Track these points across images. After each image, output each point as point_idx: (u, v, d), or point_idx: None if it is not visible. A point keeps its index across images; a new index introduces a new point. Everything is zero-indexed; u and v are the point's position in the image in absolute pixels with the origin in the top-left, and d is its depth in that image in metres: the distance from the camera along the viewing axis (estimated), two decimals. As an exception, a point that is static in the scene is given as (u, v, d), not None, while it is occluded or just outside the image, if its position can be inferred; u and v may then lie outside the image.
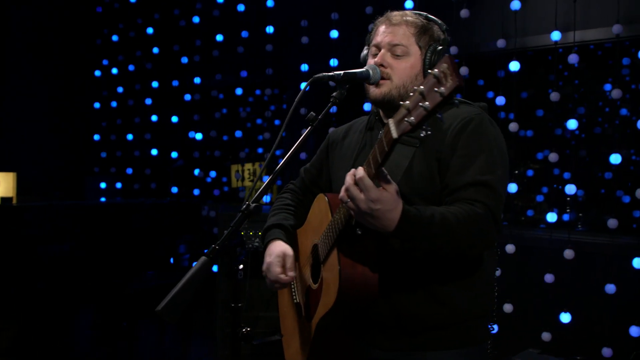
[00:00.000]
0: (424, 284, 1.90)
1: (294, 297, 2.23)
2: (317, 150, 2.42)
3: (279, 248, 2.13)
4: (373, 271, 1.83)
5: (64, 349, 5.10)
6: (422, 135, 1.45)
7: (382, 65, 2.01)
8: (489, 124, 1.94)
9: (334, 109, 3.97)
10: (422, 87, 1.42)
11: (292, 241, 2.23)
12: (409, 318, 1.92)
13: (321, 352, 2.05)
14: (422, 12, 2.09)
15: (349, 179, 1.63)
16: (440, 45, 2.03)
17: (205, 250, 1.67)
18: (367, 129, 2.17)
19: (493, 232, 1.80)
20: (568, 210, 5.60)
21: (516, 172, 5.49)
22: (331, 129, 2.42)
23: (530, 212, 5.46)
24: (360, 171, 1.60)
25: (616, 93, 3.85)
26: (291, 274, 2.09)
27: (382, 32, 2.05)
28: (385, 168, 1.65)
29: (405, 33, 2.02)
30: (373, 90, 2.02)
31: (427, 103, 1.40)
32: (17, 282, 5.13)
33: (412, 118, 1.43)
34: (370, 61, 2.05)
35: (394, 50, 2.01)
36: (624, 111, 4.77)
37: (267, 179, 1.81)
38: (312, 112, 1.89)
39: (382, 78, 2.00)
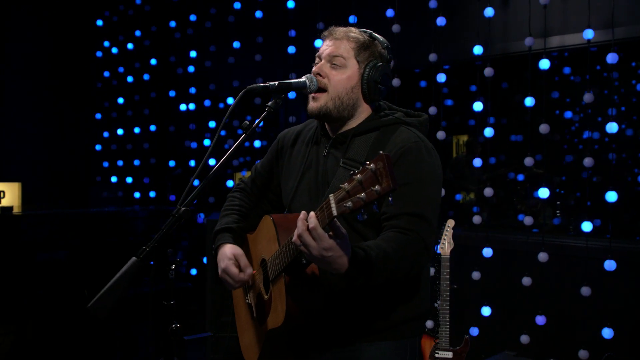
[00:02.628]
0: (366, 301, 2.04)
1: (247, 297, 2.34)
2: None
3: (229, 251, 2.22)
4: (317, 295, 1.96)
5: (63, 354, 5.22)
6: (359, 218, 1.58)
7: (319, 74, 2.12)
8: (425, 153, 2.05)
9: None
10: (359, 176, 1.55)
11: (242, 243, 2.33)
12: (348, 328, 2.05)
13: (271, 351, 2.18)
14: (366, 30, 2.20)
15: (300, 224, 1.70)
16: (380, 62, 2.13)
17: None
18: (313, 142, 2.26)
19: (425, 258, 1.98)
20: (558, 214, 5.65)
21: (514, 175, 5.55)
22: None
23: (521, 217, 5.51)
24: (313, 220, 1.67)
25: (587, 98, 3.90)
26: (249, 270, 2.19)
27: (325, 45, 2.17)
28: (329, 193, 1.76)
29: (346, 47, 2.12)
30: (310, 104, 2.13)
31: (363, 195, 1.54)
32: (17, 288, 5.27)
33: (350, 204, 1.56)
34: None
35: (333, 61, 2.11)
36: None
37: (198, 184, 1.91)
38: (246, 121, 1.99)
39: (319, 88, 2.11)
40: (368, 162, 1.54)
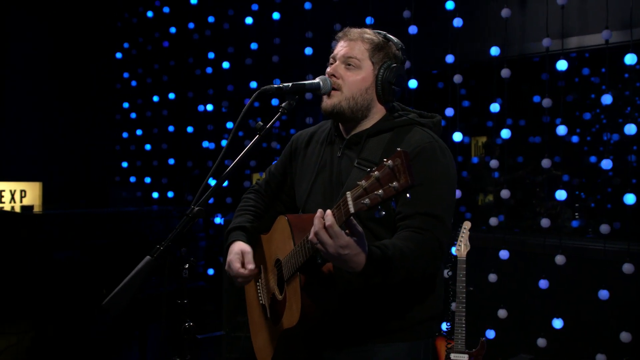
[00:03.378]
0: (381, 301, 2.05)
1: (260, 297, 2.35)
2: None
3: (237, 247, 2.25)
4: (332, 294, 1.97)
5: (81, 351, 5.28)
6: (377, 216, 1.59)
7: (333, 75, 2.13)
8: (439, 154, 2.05)
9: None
10: (377, 172, 1.56)
11: (256, 244, 2.35)
12: (362, 327, 2.06)
13: (285, 351, 2.19)
14: (381, 31, 2.20)
15: (317, 222, 1.71)
16: (395, 63, 2.13)
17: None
18: (327, 142, 2.27)
19: (440, 258, 1.99)
20: (576, 217, 5.60)
21: (538, 178, 5.52)
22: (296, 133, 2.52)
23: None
24: (329, 217, 1.68)
25: (605, 99, 3.87)
26: (250, 266, 2.19)
27: (339, 46, 2.18)
28: (344, 193, 1.78)
29: (360, 48, 2.13)
30: (324, 102, 2.14)
31: (381, 192, 1.55)
32: (36, 287, 5.33)
33: (368, 201, 1.57)
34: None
35: (347, 62, 2.12)
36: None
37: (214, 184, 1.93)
38: (259, 122, 2.01)
39: (333, 89, 2.12)
40: (385, 159, 1.55)
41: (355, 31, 2.18)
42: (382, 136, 2.12)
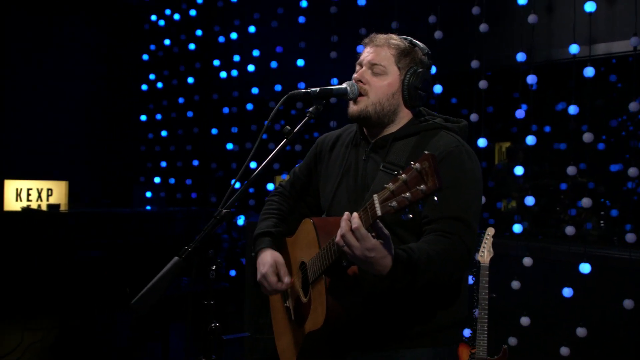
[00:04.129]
0: (406, 305, 2.04)
1: (285, 300, 2.36)
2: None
3: (270, 258, 2.25)
4: (357, 297, 1.98)
5: (104, 348, 5.34)
6: (403, 218, 1.60)
7: (360, 81, 2.14)
8: (466, 158, 2.05)
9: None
10: (404, 175, 1.57)
11: (281, 247, 2.37)
12: (387, 331, 2.06)
13: (309, 353, 2.20)
14: (407, 37, 2.21)
15: (344, 224, 1.71)
16: (421, 68, 2.14)
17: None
18: (352, 146, 2.28)
19: (467, 263, 1.99)
20: (602, 225, 5.54)
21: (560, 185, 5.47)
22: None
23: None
24: (356, 220, 1.68)
25: (633, 106, 3.84)
26: (287, 279, 2.22)
27: (365, 52, 2.19)
28: (370, 196, 1.77)
29: (387, 54, 2.14)
30: (351, 107, 2.15)
31: (409, 195, 1.55)
32: (62, 283, 5.41)
33: (395, 203, 1.58)
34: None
35: (374, 68, 2.13)
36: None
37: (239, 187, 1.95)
38: (287, 126, 2.02)
39: (360, 94, 2.13)
40: (413, 162, 1.56)
41: (381, 37, 2.19)
42: (408, 140, 2.12)
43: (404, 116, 2.17)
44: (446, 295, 2.09)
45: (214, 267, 1.81)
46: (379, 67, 2.12)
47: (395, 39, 2.17)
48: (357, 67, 2.20)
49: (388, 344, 2.07)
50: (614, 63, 5.06)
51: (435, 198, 1.54)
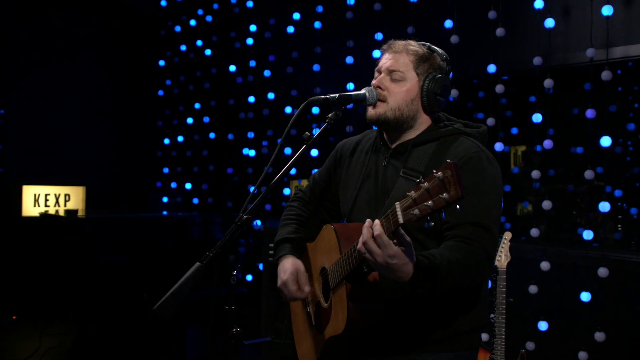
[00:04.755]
0: (426, 310, 2.05)
1: (306, 306, 2.38)
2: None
3: (292, 265, 2.26)
4: (378, 303, 1.99)
5: (121, 353, 5.37)
6: (425, 226, 1.61)
7: (379, 87, 2.15)
8: (486, 163, 2.06)
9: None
10: (426, 184, 1.58)
11: (301, 253, 2.38)
12: (408, 336, 2.07)
13: (329, 359, 2.21)
14: (425, 42, 2.22)
15: (365, 232, 1.73)
16: (440, 74, 2.15)
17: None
18: (372, 151, 2.29)
19: (488, 269, 1.98)
20: (619, 229, 5.51)
21: (577, 189, 5.45)
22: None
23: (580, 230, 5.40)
24: (378, 227, 1.70)
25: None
26: (307, 289, 2.23)
27: (384, 58, 2.21)
28: (390, 203, 1.81)
29: (405, 60, 2.15)
30: (369, 111, 2.16)
31: (431, 203, 1.57)
32: (79, 289, 5.45)
33: (417, 211, 1.60)
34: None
35: (392, 75, 2.15)
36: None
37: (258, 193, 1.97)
38: (306, 132, 2.04)
39: (379, 100, 2.15)
40: (435, 170, 1.57)
41: (399, 43, 2.20)
42: (428, 146, 2.13)
43: (424, 122, 2.18)
44: (466, 300, 2.10)
45: (235, 273, 1.83)
46: (397, 74, 2.13)
47: (413, 45, 2.18)
48: (376, 74, 2.21)
49: (409, 349, 2.08)
50: (630, 66, 5.03)
51: (458, 207, 1.55)
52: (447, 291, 1.89)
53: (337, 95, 2.08)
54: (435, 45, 2.22)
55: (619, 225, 5.50)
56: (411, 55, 2.15)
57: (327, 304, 2.14)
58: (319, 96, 2.07)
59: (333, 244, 2.10)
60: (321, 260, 2.22)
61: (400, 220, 1.63)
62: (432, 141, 2.14)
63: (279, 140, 2.07)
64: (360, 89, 2.17)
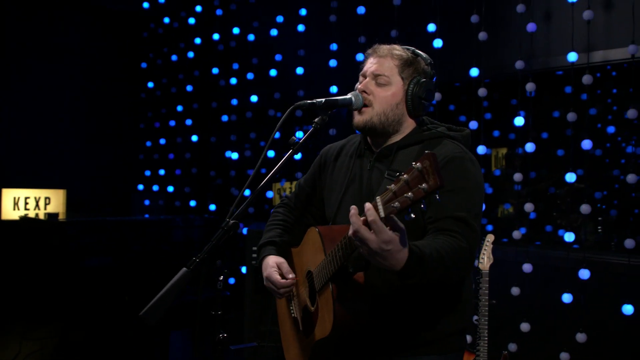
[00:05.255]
0: (412, 310, 2.07)
1: (292, 310, 2.38)
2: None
3: (271, 260, 2.29)
4: (364, 304, 2.01)
5: (103, 357, 5.33)
6: (406, 219, 1.61)
7: (364, 91, 2.17)
8: (469, 164, 2.09)
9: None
10: (406, 176, 1.58)
11: (285, 257, 2.38)
12: (394, 339, 2.08)
13: None
14: (409, 47, 2.24)
15: (355, 220, 1.69)
16: (424, 78, 2.17)
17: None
18: (357, 156, 2.31)
19: (470, 264, 2.01)
20: (599, 230, 5.58)
21: (558, 191, 5.51)
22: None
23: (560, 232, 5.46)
24: (372, 212, 1.65)
25: (631, 113, 3.88)
26: (291, 276, 2.24)
27: (369, 63, 2.23)
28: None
29: (390, 64, 2.18)
30: (356, 118, 2.18)
31: (410, 194, 1.57)
32: (61, 293, 5.39)
33: (397, 204, 1.60)
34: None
35: (377, 79, 2.17)
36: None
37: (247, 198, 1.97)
38: (293, 137, 2.05)
39: (365, 105, 2.16)
40: (414, 162, 1.57)
41: (384, 48, 2.22)
42: (412, 148, 2.15)
43: (408, 125, 2.20)
44: (451, 302, 2.12)
45: (221, 278, 1.83)
46: (382, 78, 2.15)
47: (398, 50, 2.20)
48: (361, 78, 2.23)
49: (397, 352, 2.09)
50: (609, 69, 5.09)
51: (438, 197, 1.56)
52: (435, 283, 1.89)
53: (323, 99, 2.10)
54: (418, 49, 2.24)
55: (599, 227, 5.57)
56: (396, 59, 2.17)
57: (313, 308, 2.14)
58: (306, 101, 2.09)
59: (318, 246, 2.11)
60: (307, 264, 2.23)
61: (382, 213, 1.63)
62: (416, 144, 2.16)
63: (262, 144, 2.07)
64: (344, 93, 2.18)
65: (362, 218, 1.68)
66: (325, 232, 2.11)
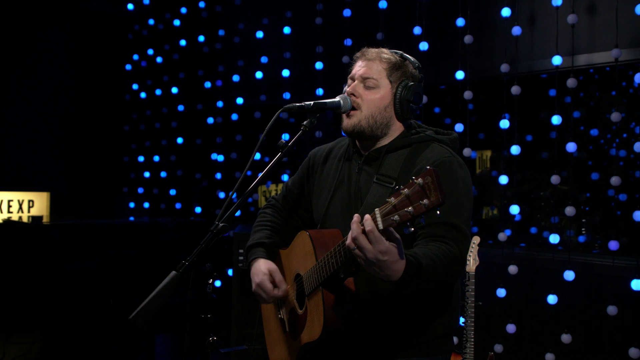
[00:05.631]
0: (401, 315, 2.07)
1: (278, 311, 2.38)
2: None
3: (264, 266, 2.26)
4: (354, 308, 2.01)
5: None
6: (405, 232, 1.62)
7: (353, 94, 2.17)
8: (457, 168, 2.09)
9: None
10: (406, 190, 1.59)
11: (274, 259, 2.38)
12: (383, 343, 2.09)
13: None
14: (397, 51, 2.25)
15: (355, 227, 1.70)
16: (412, 82, 2.18)
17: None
18: (345, 159, 2.31)
19: (462, 269, 2.01)
20: (583, 232, 5.62)
21: (541, 193, 5.56)
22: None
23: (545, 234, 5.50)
24: (370, 222, 1.66)
25: (615, 116, 3.92)
26: (283, 286, 2.23)
27: (357, 66, 2.23)
28: (365, 209, 1.82)
29: (378, 68, 2.18)
30: (345, 121, 2.18)
31: (411, 209, 1.58)
32: (45, 297, 5.35)
33: (397, 217, 1.60)
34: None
35: (366, 82, 2.17)
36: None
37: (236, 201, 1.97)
38: (282, 140, 2.05)
39: (353, 108, 2.17)
40: (415, 177, 1.58)
41: (372, 51, 2.23)
42: (400, 152, 2.16)
43: (396, 129, 2.21)
44: (440, 304, 2.13)
45: (210, 281, 1.82)
46: (371, 81, 2.16)
47: (386, 53, 2.21)
48: (349, 81, 2.23)
49: (386, 355, 2.10)
50: (591, 73, 5.15)
51: (438, 212, 1.57)
52: (429, 291, 1.90)
53: (312, 102, 2.10)
54: (403, 51, 2.25)
55: (583, 229, 5.62)
56: (384, 62, 2.18)
57: (302, 311, 2.14)
58: (294, 104, 2.09)
59: (308, 250, 2.10)
60: (296, 267, 2.23)
61: (380, 226, 1.64)
62: (405, 147, 2.17)
63: (259, 143, 2.07)
64: (331, 96, 2.19)
65: (361, 227, 1.69)
66: (316, 236, 2.10)
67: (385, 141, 2.20)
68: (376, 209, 1.66)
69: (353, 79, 2.21)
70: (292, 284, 2.26)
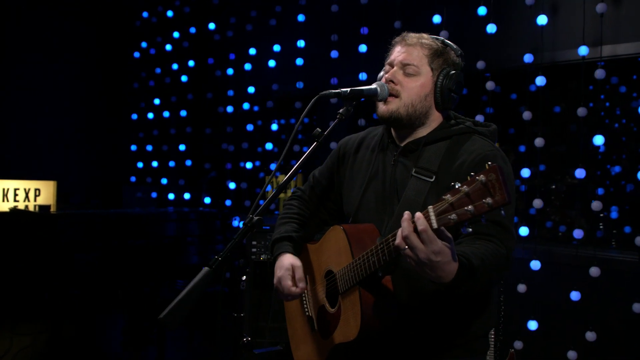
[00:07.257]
0: (442, 315, 1.96)
1: (306, 309, 2.27)
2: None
3: (287, 261, 2.17)
4: (392, 309, 1.91)
5: (96, 353, 5.22)
6: (463, 231, 1.53)
7: (392, 81, 2.06)
8: (502, 162, 1.97)
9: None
10: (465, 187, 1.48)
11: (300, 253, 2.28)
12: (422, 343, 1.98)
13: None
14: (439, 37, 2.14)
15: (406, 225, 1.59)
16: (454, 70, 2.06)
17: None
18: (379, 149, 2.19)
19: (507, 268, 1.88)
20: (600, 227, 5.52)
21: (553, 186, 5.47)
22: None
23: (562, 228, 5.41)
24: (422, 221, 1.56)
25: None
26: (302, 285, 2.13)
27: (396, 51, 2.11)
28: (403, 204, 1.74)
29: (419, 54, 2.07)
30: (381, 107, 2.07)
31: (471, 208, 1.47)
32: (51, 287, 5.27)
33: (455, 216, 1.50)
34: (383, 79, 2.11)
35: (406, 69, 2.06)
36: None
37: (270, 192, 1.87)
38: (317, 129, 1.94)
39: (391, 95, 2.05)
40: (476, 174, 1.48)
41: (413, 36, 2.11)
42: (439, 144, 2.05)
43: (435, 119, 2.10)
44: (480, 304, 2.03)
45: (244, 278, 1.71)
46: (411, 67, 2.05)
47: (427, 39, 2.10)
48: (387, 67, 2.12)
49: (424, 356, 1.99)
50: (617, 65, 5.03)
51: (503, 212, 1.46)
52: (478, 291, 1.79)
53: (348, 89, 2.00)
54: (449, 41, 2.14)
55: (600, 224, 5.51)
56: (425, 49, 2.07)
57: (333, 309, 2.04)
58: (331, 91, 1.98)
59: (343, 246, 2.00)
60: (327, 263, 2.12)
61: (435, 225, 1.53)
62: (444, 139, 2.06)
63: (294, 132, 1.96)
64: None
65: (412, 225, 1.58)
66: (352, 232, 2.00)
67: (423, 132, 2.09)
68: (430, 207, 1.55)
69: (392, 65, 2.10)
70: (321, 280, 2.16)
